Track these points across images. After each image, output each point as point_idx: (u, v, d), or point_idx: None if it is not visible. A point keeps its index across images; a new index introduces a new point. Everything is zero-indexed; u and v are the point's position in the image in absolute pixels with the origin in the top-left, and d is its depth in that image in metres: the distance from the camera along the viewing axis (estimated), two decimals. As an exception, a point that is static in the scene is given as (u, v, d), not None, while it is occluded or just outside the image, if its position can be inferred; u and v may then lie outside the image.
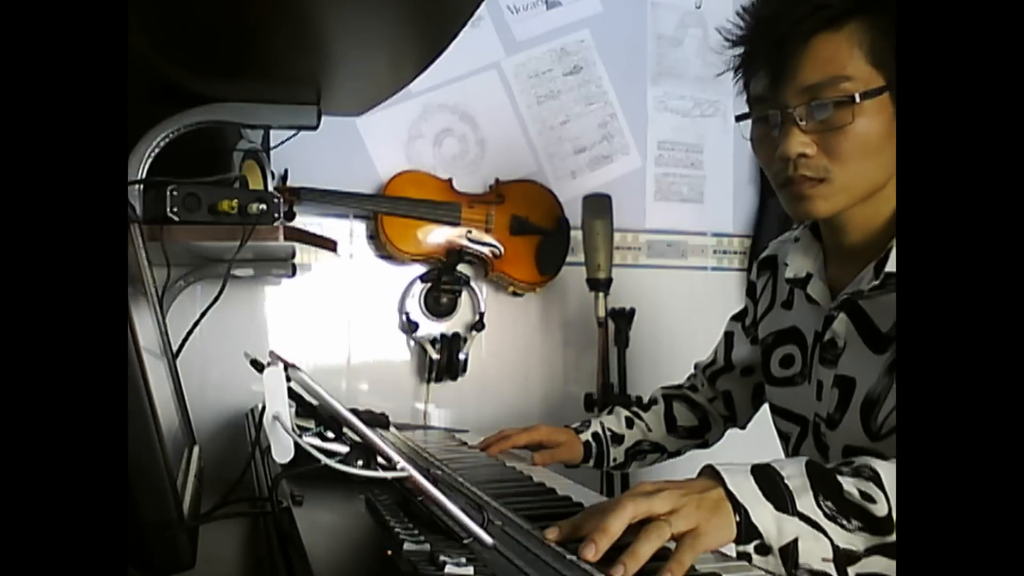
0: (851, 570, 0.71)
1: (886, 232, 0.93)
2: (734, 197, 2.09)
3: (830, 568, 0.70)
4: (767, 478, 0.71)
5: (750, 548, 0.69)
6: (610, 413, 1.32)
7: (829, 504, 0.71)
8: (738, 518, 0.68)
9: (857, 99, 0.85)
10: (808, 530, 0.70)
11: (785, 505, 0.70)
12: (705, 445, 1.34)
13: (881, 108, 0.86)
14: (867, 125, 0.86)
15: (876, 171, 0.89)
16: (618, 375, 1.79)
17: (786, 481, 0.71)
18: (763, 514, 0.69)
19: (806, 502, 0.70)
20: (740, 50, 0.93)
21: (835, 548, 0.70)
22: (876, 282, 0.90)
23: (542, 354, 1.94)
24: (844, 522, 0.71)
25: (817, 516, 0.70)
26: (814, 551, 0.70)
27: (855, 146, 0.86)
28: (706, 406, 1.33)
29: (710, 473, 0.72)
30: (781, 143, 0.88)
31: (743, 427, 1.33)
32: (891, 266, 0.89)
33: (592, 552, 0.62)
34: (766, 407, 1.25)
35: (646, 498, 0.66)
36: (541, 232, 1.84)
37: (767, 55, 0.89)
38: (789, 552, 0.69)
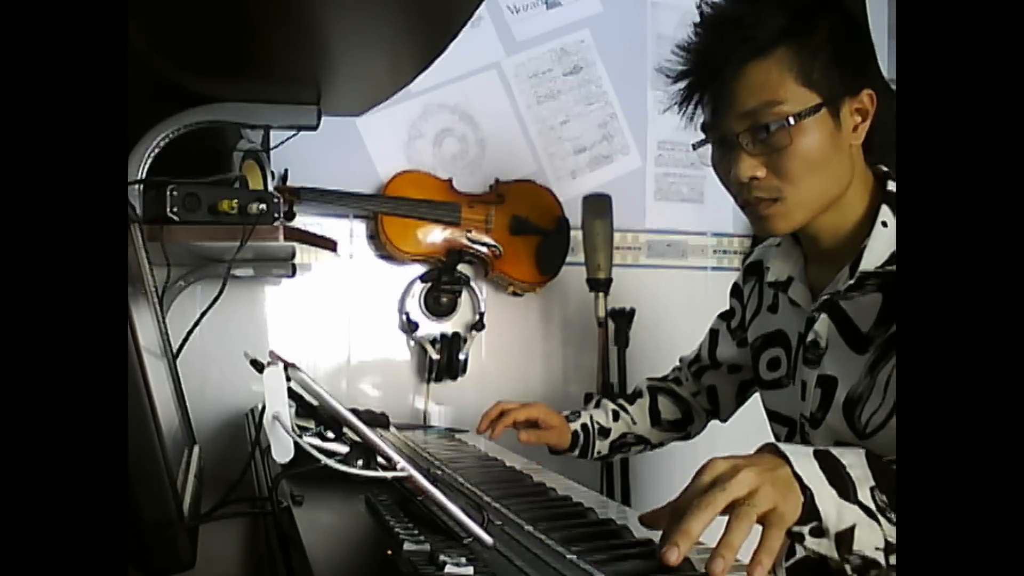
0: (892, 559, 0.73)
1: (858, 234, 0.95)
2: (734, 197, 2.09)
3: (880, 557, 0.73)
4: (829, 463, 0.73)
5: (805, 529, 0.71)
6: (597, 406, 1.35)
7: (883, 498, 0.73)
8: (803, 499, 0.69)
9: (792, 121, 0.88)
10: (865, 519, 0.72)
11: (847, 492, 0.72)
12: (687, 437, 1.38)
13: (820, 125, 0.90)
14: (808, 143, 0.89)
15: (828, 183, 0.93)
16: (618, 375, 1.79)
17: (848, 470, 0.73)
18: (826, 499, 0.71)
19: (864, 491, 0.73)
20: (682, 84, 0.96)
21: (886, 539, 0.72)
22: (852, 281, 0.93)
23: (542, 354, 1.94)
24: (892, 516, 0.73)
25: (871, 504, 0.72)
26: (869, 539, 0.72)
27: (800, 164, 0.90)
28: (690, 400, 1.36)
29: (773, 451, 0.73)
30: (732, 168, 0.93)
31: (724, 420, 1.35)
32: (865, 265, 0.92)
33: (675, 556, 0.62)
34: (749, 403, 1.29)
35: (723, 490, 0.65)
36: (541, 232, 1.84)
37: (705, 87, 0.94)
38: (845, 538, 0.72)
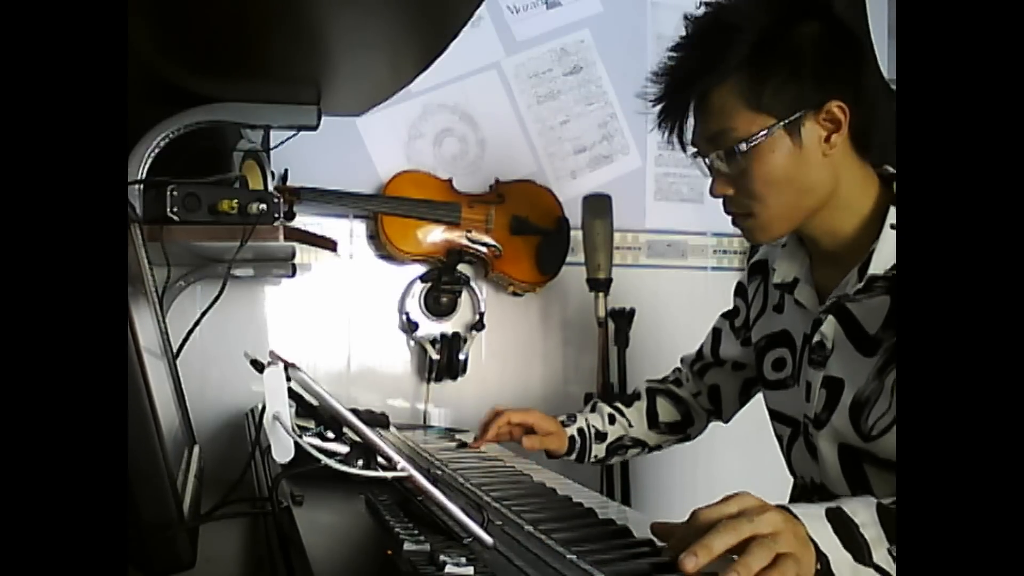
0: None
1: (863, 235, 0.95)
2: (734, 197, 2.08)
3: None
4: (843, 526, 0.73)
5: None
6: (593, 410, 1.34)
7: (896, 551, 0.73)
8: (819, 565, 0.69)
9: (743, 147, 0.92)
10: None
11: (863, 556, 0.72)
12: (687, 439, 1.37)
13: (776, 145, 0.92)
14: (766, 164, 0.92)
15: (798, 197, 0.94)
16: (618, 375, 1.79)
17: (862, 531, 0.73)
18: (842, 564, 0.70)
19: (880, 553, 0.72)
20: (660, 107, 1.00)
21: None
22: (860, 285, 0.93)
23: (542, 354, 1.94)
24: None
25: (888, 564, 0.72)
26: None
27: (761, 185, 0.93)
28: (690, 401, 1.35)
29: (787, 514, 0.72)
30: (710, 185, 0.99)
31: (727, 421, 1.35)
32: (874, 268, 0.92)
33: (692, 564, 0.62)
34: (750, 405, 1.29)
35: (750, 522, 0.66)
36: (541, 232, 1.84)
37: (677, 111, 0.98)
38: None
